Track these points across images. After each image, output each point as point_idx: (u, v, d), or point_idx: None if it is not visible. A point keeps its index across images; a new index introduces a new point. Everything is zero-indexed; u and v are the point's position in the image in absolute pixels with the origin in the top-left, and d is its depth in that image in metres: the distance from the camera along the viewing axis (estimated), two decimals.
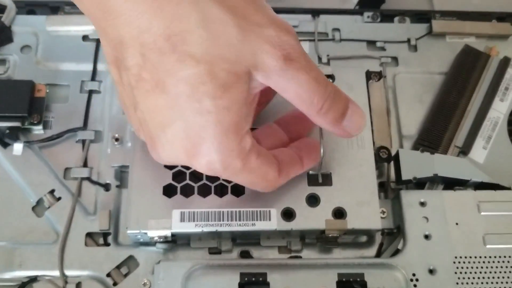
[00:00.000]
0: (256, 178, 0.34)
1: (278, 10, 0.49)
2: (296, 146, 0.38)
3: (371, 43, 0.50)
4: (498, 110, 0.47)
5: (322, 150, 0.37)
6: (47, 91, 0.43)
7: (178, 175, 0.39)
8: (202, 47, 0.28)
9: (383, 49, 0.49)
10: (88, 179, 0.42)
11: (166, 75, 0.28)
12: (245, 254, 0.41)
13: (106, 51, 0.31)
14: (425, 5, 0.56)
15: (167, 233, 0.38)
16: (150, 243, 0.40)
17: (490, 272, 0.39)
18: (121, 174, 0.43)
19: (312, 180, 0.40)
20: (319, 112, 0.32)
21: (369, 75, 0.45)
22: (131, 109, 0.32)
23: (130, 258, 0.40)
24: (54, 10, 0.48)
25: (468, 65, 0.48)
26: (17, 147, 0.42)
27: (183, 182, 0.39)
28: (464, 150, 0.45)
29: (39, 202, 0.41)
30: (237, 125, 0.31)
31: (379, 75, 0.45)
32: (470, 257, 0.39)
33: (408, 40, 0.50)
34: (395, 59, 0.49)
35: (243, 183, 0.35)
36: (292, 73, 0.30)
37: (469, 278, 0.39)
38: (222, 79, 0.29)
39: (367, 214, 0.39)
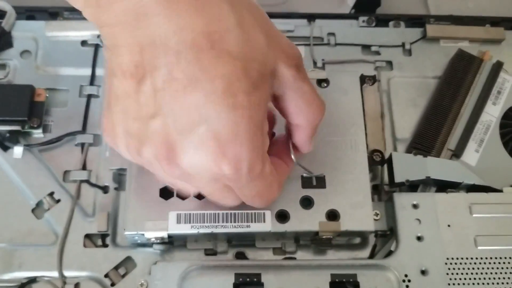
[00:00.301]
0: (265, 187, 0.34)
1: (274, 15, 0.50)
2: (276, 152, 0.38)
3: (366, 47, 0.50)
4: (490, 114, 0.47)
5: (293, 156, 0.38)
6: (47, 95, 0.44)
7: None
8: (238, 46, 0.29)
9: (377, 53, 0.50)
10: (87, 181, 0.42)
11: (201, 71, 0.29)
12: (240, 256, 0.42)
13: (120, 61, 0.30)
14: (421, 9, 0.57)
15: (164, 234, 0.38)
16: (147, 244, 0.40)
17: (482, 273, 0.40)
18: (119, 177, 0.43)
19: (306, 182, 0.41)
20: (314, 124, 0.36)
21: (363, 79, 0.45)
22: (145, 119, 0.30)
23: (128, 259, 0.41)
24: (53, 15, 0.49)
25: (461, 69, 0.49)
26: (17, 150, 0.42)
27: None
28: (457, 153, 0.45)
29: (39, 204, 0.42)
30: (263, 124, 0.32)
31: (373, 79, 0.46)
32: (462, 258, 0.40)
33: (403, 45, 0.50)
34: (389, 63, 0.50)
35: (251, 193, 0.35)
36: (299, 83, 0.33)
37: (460, 279, 0.39)
38: (254, 78, 0.30)
39: (361, 216, 0.40)
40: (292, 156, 0.39)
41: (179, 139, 0.30)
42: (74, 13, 0.49)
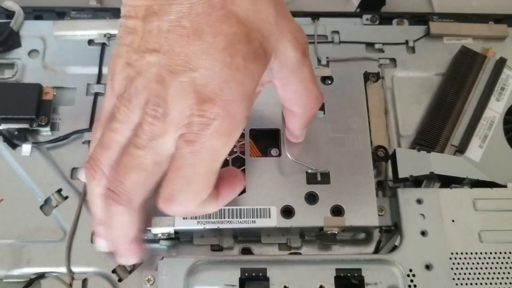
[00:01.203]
0: (210, 168, 0.32)
1: None
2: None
3: (369, 45, 0.51)
4: (494, 110, 0.48)
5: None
6: (55, 94, 0.45)
7: None
8: (247, 13, 0.30)
9: (381, 51, 0.50)
10: None
11: (208, 25, 0.30)
12: (246, 251, 0.42)
13: (135, 3, 0.31)
14: (425, 8, 0.57)
15: (171, 230, 0.39)
16: (154, 240, 0.41)
17: (486, 268, 0.40)
18: None
19: (311, 178, 0.41)
20: (310, 114, 0.36)
21: (367, 76, 0.46)
22: (145, 53, 0.31)
23: None
24: (61, 15, 0.50)
25: (465, 66, 0.49)
26: (26, 148, 0.43)
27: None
28: (461, 149, 0.45)
29: (47, 201, 0.42)
30: (250, 98, 0.32)
31: (377, 76, 0.46)
32: (466, 253, 0.40)
33: (406, 42, 0.51)
34: (393, 61, 0.50)
35: (200, 165, 0.32)
36: (302, 68, 0.34)
37: (465, 274, 0.40)
38: (255, 47, 0.31)
39: (365, 211, 0.40)
40: (288, 154, 0.40)
41: (170, 76, 0.31)
42: (81, 13, 0.49)
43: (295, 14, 0.52)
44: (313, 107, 0.36)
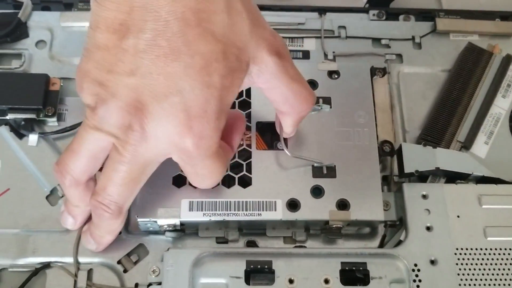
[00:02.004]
0: (216, 167, 0.35)
1: (286, 8, 0.51)
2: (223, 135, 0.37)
3: (376, 40, 0.51)
4: (500, 107, 0.48)
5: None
6: (61, 84, 0.45)
7: None
8: (223, 29, 0.31)
9: (388, 46, 0.50)
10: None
11: (184, 45, 0.30)
12: (251, 244, 0.42)
13: (106, 16, 0.30)
14: (434, 4, 0.57)
15: (176, 221, 0.39)
16: (159, 232, 0.41)
17: (491, 264, 0.40)
18: None
19: (317, 172, 0.41)
20: (300, 114, 0.37)
21: (373, 71, 0.46)
22: (120, 74, 0.31)
23: (140, 246, 0.41)
24: (68, 6, 0.50)
25: (471, 63, 0.49)
26: (33, 138, 0.43)
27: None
28: (466, 145, 0.46)
29: (53, 191, 0.42)
30: (228, 108, 0.33)
31: (383, 71, 0.46)
32: (471, 249, 0.40)
33: (413, 38, 0.51)
34: (399, 56, 0.50)
35: (203, 171, 0.35)
36: (282, 70, 0.34)
37: (469, 269, 0.40)
38: (231, 62, 0.31)
39: (370, 205, 0.40)
40: (286, 151, 0.40)
41: (151, 102, 0.31)
42: (88, 4, 0.49)
43: (302, 8, 0.52)
44: (303, 109, 0.37)
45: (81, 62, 0.33)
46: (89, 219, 0.39)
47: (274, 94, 0.36)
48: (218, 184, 0.40)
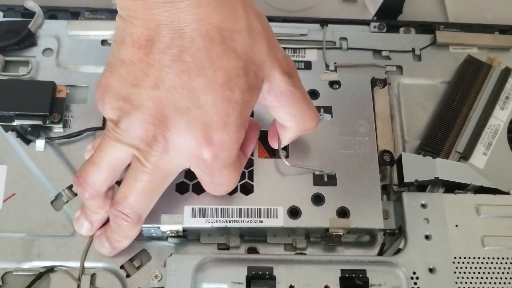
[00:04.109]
0: (232, 176, 0.37)
1: (289, 20, 0.52)
2: None
3: (377, 52, 0.51)
4: (498, 118, 0.48)
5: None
6: (68, 92, 0.45)
7: (190, 173, 0.40)
8: (244, 47, 0.32)
9: (388, 58, 0.51)
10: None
11: (208, 61, 0.31)
12: (252, 251, 0.43)
13: (133, 32, 0.32)
14: (440, 17, 0.58)
15: (179, 227, 0.40)
16: (162, 237, 0.42)
17: (488, 273, 0.40)
18: None
19: (318, 180, 0.42)
20: (303, 132, 0.39)
21: (374, 82, 0.47)
22: (145, 88, 0.32)
23: (143, 251, 0.42)
24: (75, 15, 0.50)
25: (470, 75, 0.50)
26: (40, 144, 0.44)
27: (195, 180, 0.41)
28: (465, 156, 0.46)
29: (58, 196, 0.43)
30: (246, 122, 0.35)
31: (384, 82, 0.47)
32: (469, 257, 0.41)
33: (413, 50, 0.52)
34: (400, 68, 0.51)
35: (220, 180, 0.37)
36: (292, 89, 0.36)
37: (467, 277, 0.40)
38: (250, 78, 0.33)
39: (370, 214, 0.41)
40: (285, 161, 0.41)
41: (174, 115, 0.32)
42: (94, 13, 0.50)
43: (305, 20, 0.53)
44: (308, 128, 0.38)
45: (102, 77, 0.34)
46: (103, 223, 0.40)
47: (282, 112, 0.37)
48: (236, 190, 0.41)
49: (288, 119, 0.38)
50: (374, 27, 0.53)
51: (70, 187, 0.43)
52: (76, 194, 0.43)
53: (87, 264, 0.41)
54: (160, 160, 0.34)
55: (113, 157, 0.35)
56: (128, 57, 0.32)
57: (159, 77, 0.32)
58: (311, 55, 0.51)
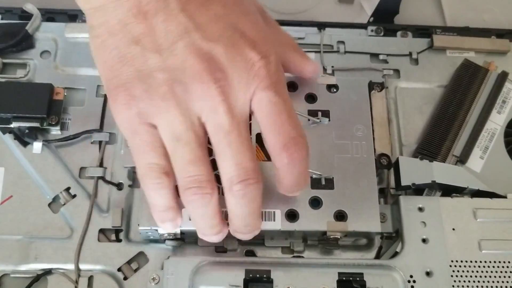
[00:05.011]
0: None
1: (286, 23, 0.52)
2: None
3: (374, 56, 0.52)
4: (495, 122, 0.49)
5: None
6: (65, 94, 0.45)
7: None
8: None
9: (385, 61, 0.51)
10: (102, 178, 0.44)
11: None
12: (249, 254, 0.43)
13: (123, 12, 0.31)
14: (438, 21, 0.58)
15: (177, 230, 0.40)
16: (159, 240, 0.42)
17: (485, 276, 0.40)
18: (133, 174, 0.44)
19: (315, 183, 0.42)
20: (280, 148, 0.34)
21: (371, 86, 0.47)
22: (168, 48, 0.31)
23: (141, 254, 0.42)
24: (72, 18, 0.50)
25: (467, 79, 0.50)
26: (37, 146, 0.44)
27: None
28: (462, 159, 0.46)
29: (55, 199, 0.43)
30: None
31: (381, 86, 0.47)
32: (466, 261, 0.41)
33: (410, 54, 0.52)
34: (397, 72, 0.51)
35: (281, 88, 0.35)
36: (272, 95, 0.33)
37: (464, 281, 0.40)
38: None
39: (367, 217, 0.41)
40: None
41: (210, 46, 0.32)
42: None
43: (302, 23, 0.53)
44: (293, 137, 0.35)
45: (122, 75, 0.32)
46: None
47: (263, 117, 0.35)
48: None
49: (268, 128, 0.34)
50: (372, 30, 0.53)
51: (67, 190, 0.43)
52: (73, 197, 0.43)
53: (84, 267, 0.41)
54: (231, 102, 0.32)
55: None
56: (140, 31, 0.31)
57: (180, 17, 0.31)
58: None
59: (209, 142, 0.33)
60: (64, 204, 0.43)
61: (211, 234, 0.37)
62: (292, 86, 0.45)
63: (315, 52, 0.51)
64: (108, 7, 0.31)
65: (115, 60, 0.32)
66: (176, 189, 0.34)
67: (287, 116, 0.33)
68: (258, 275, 0.39)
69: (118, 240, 0.42)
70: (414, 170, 0.44)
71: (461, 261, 0.41)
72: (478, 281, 0.40)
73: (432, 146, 0.47)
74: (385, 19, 0.55)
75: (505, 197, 0.44)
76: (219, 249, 0.42)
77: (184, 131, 0.32)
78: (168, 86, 0.31)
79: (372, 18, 0.55)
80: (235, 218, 0.36)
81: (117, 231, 0.42)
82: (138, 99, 0.32)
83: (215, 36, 0.32)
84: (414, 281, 0.40)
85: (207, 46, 0.31)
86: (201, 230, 0.37)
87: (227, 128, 0.32)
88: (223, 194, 0.34)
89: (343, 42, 0.52)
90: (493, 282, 0.40)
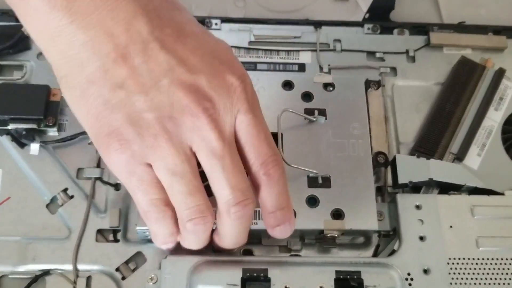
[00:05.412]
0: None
1: (282, 22, 0.52)
2: None
3: (370, 54, 0.52)
4: (492, 119, 0.49)
5: None
6: (62, 95, 0.45)
7: None
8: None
9: (382, 59, 0.51)
10: (100, 179, 0.44)
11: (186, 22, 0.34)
12: (247, 252, 0.43)
13: (104, 52, 0.31)
14: (434, 16, 0.58)
15: None
16: None
17: (483, 273, 0.40)
18: None
19: (312, 182, 0.42)
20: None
21: (368, 84, 0.47)
22: (157, 80, 0.32)
23: (138, 254, 0.42)
24: None
25: (464, 76, 0.50)
26: (34, 147, 0.44)
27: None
28: (459, 157, 0.46)
29: (53, 200, 0.43)
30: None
31: (378, 84, 0.47)
32: (464, 258, 0.41)
33: (407, 51, 0.52)
34: (393, 69, 0.51)
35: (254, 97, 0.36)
36: (251, 117, 0.34)
37: (462, 278, 0.40)
38: None
39: (365, 215, 0.41)
40: (285, 161, 0.40)
41: (194, 78, 0.32)
42: None
43: (298, 22, 0.53)
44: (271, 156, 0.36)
45: (111, 122, 0.32)
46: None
47: (245, 136, 0.36)
48: None
49: (250, 147, 0.36)
50: (368, 28, 0.53)
51: (65, 190, 0.43)
52: (71, 197, 0.43)
53: (82, 267, 0.41)
54: (220, 124, 0.33)
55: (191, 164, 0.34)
56: (117, 76, 0.32)
57: (167, 43, 0.32)
58: (305, 57, 0.51)
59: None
60: (62, 205, 0.43)
61: (196, 248, 0.38)
62: (288, 85, 0.45)
63: (312, 50, 0.51)
64: (82, 56, 0.31)
65: (100, 108, 0.32)
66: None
67: (264, 136, 0.35)
68: (255, 274, 0.39)
69: (115, 240, 0.42)
70: (411, 168, 0.44)
71: (459, 259, 0.41)
72: (476, 278, 0.40)
73: (429, 143, 0.47)
74: (380, 16, 0.55)
75: (502, 194, 0.44)
76: None
77: (179, 165, 0.33)
78: (159, 124, 0.32)
79: (367, 15, 0.55)
80: (227, 237, 0.37)
81: (114, 231, 0.43)
82: (131, 142, 0.32)
83: (197, 67, 0.33)
84: (411, 279, 0.40)
85: (191, 78, 0.32)
86: (190, 247, 0.38)
87: (220, 154, 0.33)
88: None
89: (339, 41, 0.52)
90: (490, 279, 0.40)
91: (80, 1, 0.30)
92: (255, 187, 0.36)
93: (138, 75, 0.31)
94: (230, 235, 0.37)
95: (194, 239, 0.37)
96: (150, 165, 0.33)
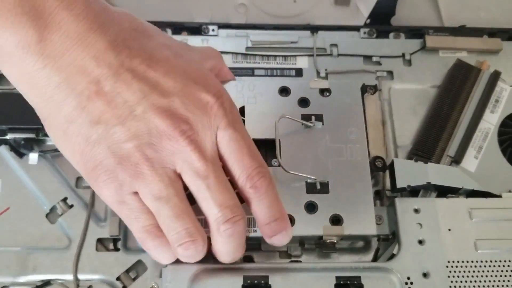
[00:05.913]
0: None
1: (279, 27, 0.52)
2: None
3: (367, 58, 0.52)
4: (488, 122, 0.49)
5: None
6: None
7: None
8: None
9: (379, 63, 0.52)
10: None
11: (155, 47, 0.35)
12: (247, 259, 0.43)
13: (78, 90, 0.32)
14: (434, 19, 0.58)
15: None
16: None
17: (482, 276, 0.41)
18: None
19: (310, 188, 0.42)
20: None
21: (364, 89, 0.47)
22: (131, 110, 0.33)
23: (139, 262, 0.42)
24: None
25: (460, 79, 0.50)
26: (33, 157, 0.44)
27: (189, 191, 0.41)
28: (456, 160, 0.47)
29: (52, 209, 0.43)
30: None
31: (375, 88, 0.48)
32: (462, 261, 0.41)
33: (403, 55, 0.52)
34: (390, 73, 0.51)
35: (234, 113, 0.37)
36: (231, 133, 0.35)
37: (461, 281, 0.40)
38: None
39: (363, 220, 0.41)
40: (283, 167, 0.41)
41: (168, 102, 0.33)
42: None
43: (295, 27, 0.53)
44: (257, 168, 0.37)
45: (96, 156, 0.33)
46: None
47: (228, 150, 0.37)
48: None
49: (234, 160, 0.37)
50: (364, 33, 0.53)
51: (64, 200, 0.43)
52: (70, 207, 0.43)
53: (83, 277, 0.41)
54: (201, 148, 0.34)
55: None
56: (94, 111, 0.32)
57: (135, 91, 0.33)
58: (302, 62, 0.51)
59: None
60: (62, 214, 0.43)
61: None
62: (285, 91, 0.45)
63: (309, 55, 0.51)
64: (58, 97, 0.32)
65: (82, 145, 0.33)
66: None
67: (247, 149, 0.36)
68: (256, 281, 0.39)
69: (116, 249, 0.42)
70: (409, 172, 0.44)
71: (458, 262, 0.41)
72: (475, 281, 0.41)
73: (426, 146, 0.47)
74: (381, 21, 0.55)
75: (500, 196, 0.44)
76: None
77: (163, 189, 0.33)
78: (139, 152, 0.33)
79: (368, 20, 0.55)
80: (223, 255, 0.37)
81: (115, 240, 0.43)
82: (116, 173, 0.33)
83: (170, 90, 0.33)
84: (411, 283, 0.40)
85: (165, 103, 0.33)
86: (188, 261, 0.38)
87: (203, 174, 0.34)
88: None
89: (336, 45, 0.52)
90: (489, 281, 0.41)
91: (51, 44, 0.31)
92: (245, 201, 0.36)
93: (114, 108, 0.32)
94: (225, 252, 0.37)
95: (189, 259, 0.37)
96: (137, 193, 0.34)
